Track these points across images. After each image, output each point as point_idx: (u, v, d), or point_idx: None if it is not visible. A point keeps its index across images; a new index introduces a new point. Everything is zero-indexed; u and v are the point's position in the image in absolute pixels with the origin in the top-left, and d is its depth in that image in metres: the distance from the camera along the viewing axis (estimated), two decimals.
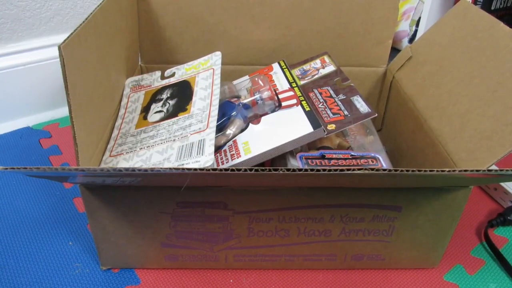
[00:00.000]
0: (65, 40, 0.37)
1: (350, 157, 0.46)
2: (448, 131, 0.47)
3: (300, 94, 0.51)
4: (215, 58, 0.54)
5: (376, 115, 0.49)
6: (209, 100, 0.48)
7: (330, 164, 0.45)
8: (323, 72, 0.58)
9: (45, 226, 0.53)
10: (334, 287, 0.47)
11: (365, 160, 0.46)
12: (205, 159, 0.41)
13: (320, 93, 0.54)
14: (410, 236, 0.46)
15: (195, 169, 0.32)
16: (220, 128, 0.49)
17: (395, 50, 0.79)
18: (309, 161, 0.46)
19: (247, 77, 0.58)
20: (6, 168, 0.31)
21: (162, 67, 0.59)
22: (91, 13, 0.43)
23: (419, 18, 0.87)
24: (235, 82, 0.58)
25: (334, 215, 0.43)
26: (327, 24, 0.61)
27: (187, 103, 0.50)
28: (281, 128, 0.47)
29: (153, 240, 0.45)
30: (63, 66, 0.36)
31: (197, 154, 0.42)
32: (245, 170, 0.32)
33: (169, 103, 0.51)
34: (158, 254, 0.46)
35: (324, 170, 0.32)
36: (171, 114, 0.49)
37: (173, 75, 0.56)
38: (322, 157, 0.46)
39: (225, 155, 0.46)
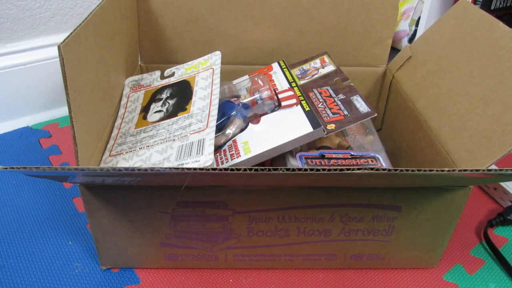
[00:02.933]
0: (65, 40, 0.37)
1: (349, 156, 0.46)
2: (447, 131, 0.47)
3: (300, 94, 0.50)
4: (215, 58, 0.54)
5: (376, 114, 0.49)
6: (209, 99, 0.48)
7: (330, 163, 0.45)
8: (322, 71, 0.58)
9: (45, 226, 0.53)
10: (334, 286, 0.47)
11: (365, 160, 0.46)
12: (204, 159, 0.41)
13: (320, 93, 0.54)
14: (409, 236, 0.46)
15: (195, 169, 0.32)
16: (220, 128, 0.49)
17: (394, 50, 0.79)
18: (309, 160, 0.46)
19: (246, 76, 0.58)
20: (6, 168, 0.31)
21: (162, 66, 0.59)
22: (91, 13, 0.43)
23: (419, 17, 0.87)
24: (234, 81, 0.58)
25: (333, 214, 0.43)
26: (327, 23, 0.61)
27: (186, 103, 0.50)
28: (281, 128, 0.47)
29: (153, 239, 0.45)
30: (63, 65, 0.36)
31: (196, 154, 0.42)
32: (245, 170, 0.32)
33: (168, 103, 0.51)
34: (158, 254, 0.46)
35: (324, 170, 0.32)
36: (171, 113, 0.49)
37: (172, 74, 0.56)
38: (322, 156, 0.46)
39: (225, 155, 0.46)
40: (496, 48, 0.45)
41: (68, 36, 0.37)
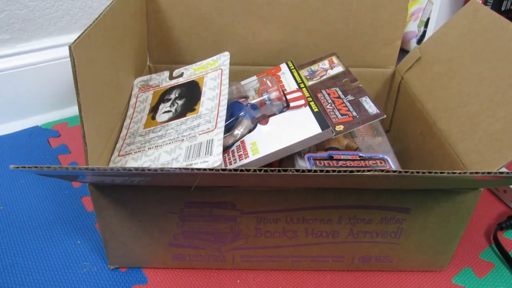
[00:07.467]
0: (75, 40, 0.37)
1: (358, 158, 0.46)
2: (457, 133, 0.46)
3: (308, 95, 0.50)
4: (224, 59, 0.54)
5: (385, 116, 0.48)
6: (217, 100, 0.48)
7: (338, 165, 0.45)
8: (331, 72, 0.58)
9: (53, 225, 0.54)
10: None
11: (373, 161, 0.46)
12: (213, 159, 0.41)
13: (329, 94, 0.54)
14: (418, 238, 0.45)
15: (204, 169, 0.32)
16: (228, 129, 0.49)
17: (402, 51, 0.78)
18: (317, 162, 0.45)
19: (255, 77, 0.58)
20: (18, 167, 0.31)
21: (171, 67, 0.60)
22: (101, 13, 0.43)
23: (428, 18, 0.87)
24: (243, 82, 0.58)
25: (342, 216, 0.43)
26: (336, 24, 0.61)
27: (195, 103, 0.50)
28: (289, 129, 0.46)
29: (161, 239, 0.45)
30: (74, 66, 0.36)
31: (205, 154, 0.42)
32: (254, 170, 0.32)
33: (177, 103, 0.51)
34: (165, 254, 0.47)
35: (333, 171, 0.32)
36: (180, 114, 0.50)
37: (181, 75, 0.56)
38: (330, 158, 0.46)
39: (233, 156, 0.46)
40: (507, 50, 0.45)
41: (79, 37, 0.38)
